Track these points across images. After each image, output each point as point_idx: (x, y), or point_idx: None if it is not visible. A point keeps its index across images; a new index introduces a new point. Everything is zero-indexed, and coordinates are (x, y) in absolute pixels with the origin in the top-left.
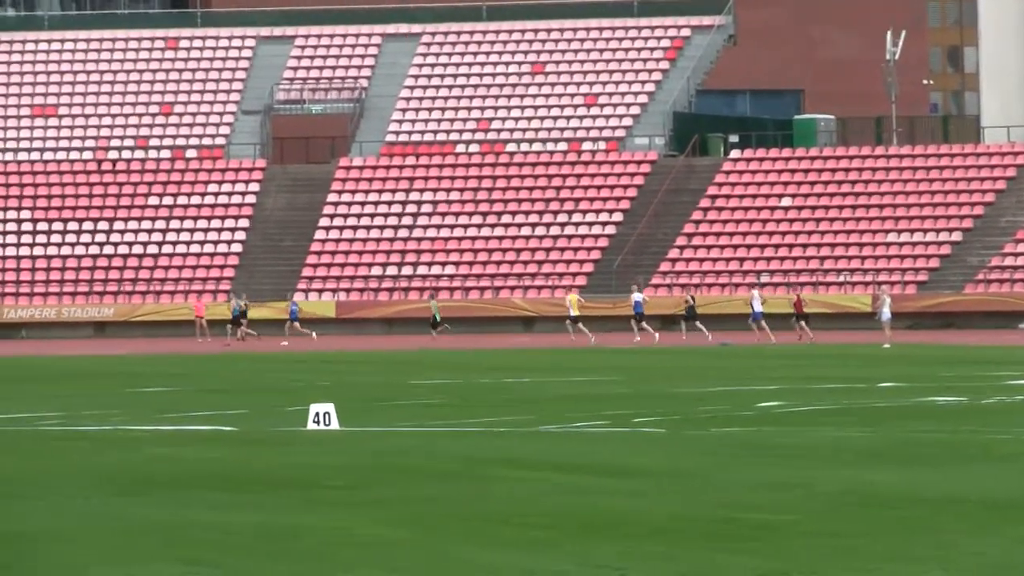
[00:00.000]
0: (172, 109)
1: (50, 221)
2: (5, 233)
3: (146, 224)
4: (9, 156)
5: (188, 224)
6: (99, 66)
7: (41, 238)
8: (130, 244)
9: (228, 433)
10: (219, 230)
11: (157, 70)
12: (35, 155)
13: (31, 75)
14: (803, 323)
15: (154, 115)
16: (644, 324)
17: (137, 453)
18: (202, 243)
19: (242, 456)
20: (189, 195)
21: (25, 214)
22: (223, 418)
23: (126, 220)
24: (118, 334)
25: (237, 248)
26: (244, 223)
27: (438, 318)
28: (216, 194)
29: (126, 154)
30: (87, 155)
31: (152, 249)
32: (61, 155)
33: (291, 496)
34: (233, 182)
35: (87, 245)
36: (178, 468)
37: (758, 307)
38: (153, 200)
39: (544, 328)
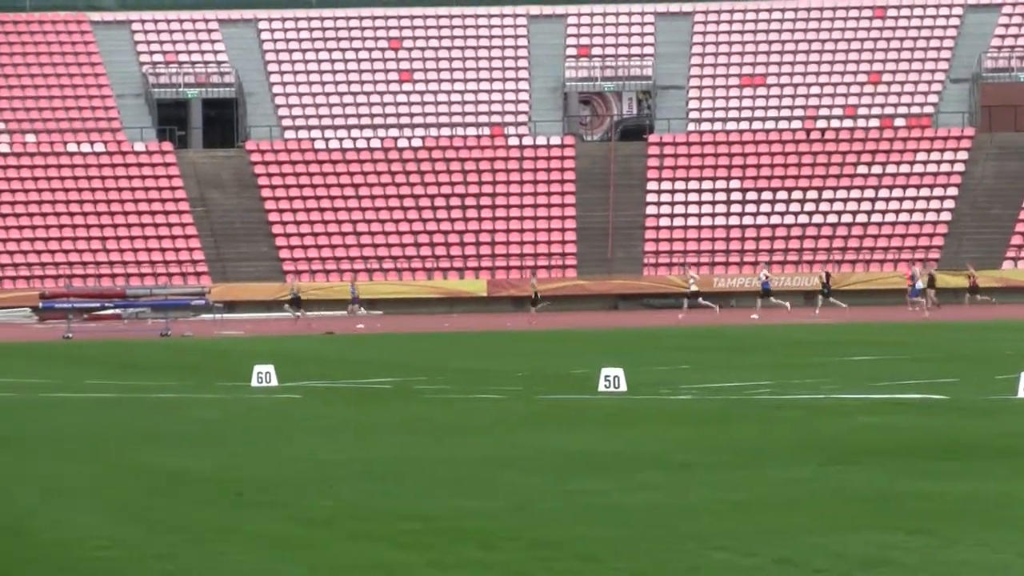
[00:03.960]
0: (880, 78)
1: (759, 190)
2: (715, 203)
3: (855, 193)
4: (718, 126)
5: (897, 193)
6: (807, 35)
7: (751, 207)
8: (839, 213)
9: (938, 401)
10: (927, 198)
11: (865, 39)
12: (744, 124)
13: (739, 45)
14: None
15: (862, 84)
16: (772, 299)
17: (848, 421)
18: (911, 211)
19: (952, 424)
20: (898, 163)
21: (735, 183)
22: (933, 386)
23: (835, 189)
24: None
25: (946, 216)
26: (952, 191)
27: (537, 295)
28: (924, 163)
29: (834, 123)
30: (796, 124)
31: (861, 218)
32: (770, 124)
33: (1001, 464)
34: (941, 150)
35: (796, 214)
36: (888, 437)
37: None
38: (862, 169)
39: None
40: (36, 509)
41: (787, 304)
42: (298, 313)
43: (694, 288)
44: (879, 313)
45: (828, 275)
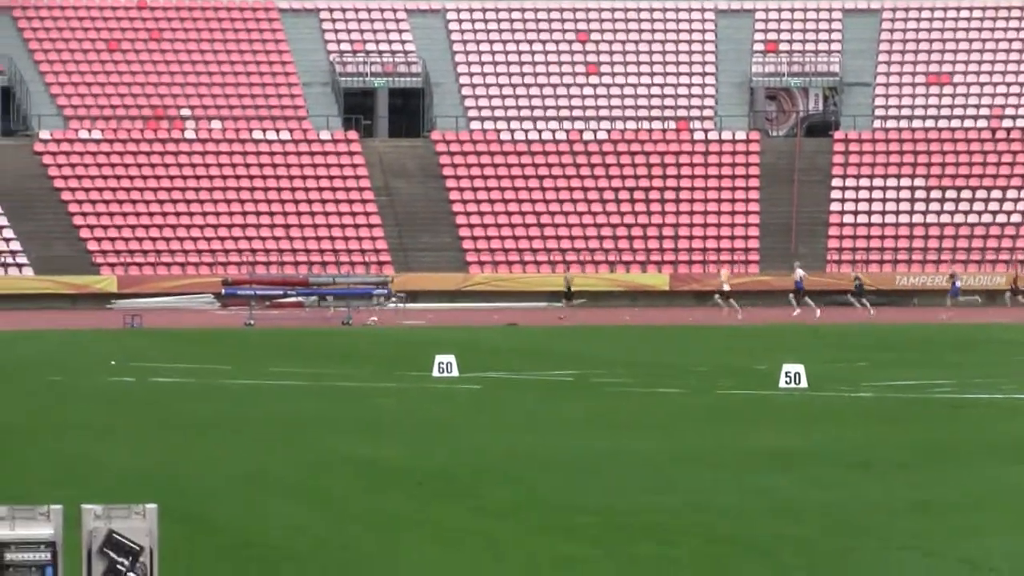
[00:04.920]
0: None
1: (943, 189)
2: (899, 200)
3: None
4: (904, 123)
5: None
6: (994, 34)
7: (935, 205)
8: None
9: None
10: None
11: None
12: (930, 122)
13: (926, 43)
14: None
15: None
16: (805, 299)
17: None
18: None
19: None
20: None
21: (919, 181)
22: None
23: (1019, 188)
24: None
25: None
26: None
27: (571, 290)
28: None
29: (1020, 122)
30: (981, 123)
31: None
32: (955, 123)
33: None
34: None
35: (979, 213)
36: None
37: None
38: None
39: None
40: (221, 495)
41: (977, 298)
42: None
43: (727, 288)
44: None
45: (857, 277)
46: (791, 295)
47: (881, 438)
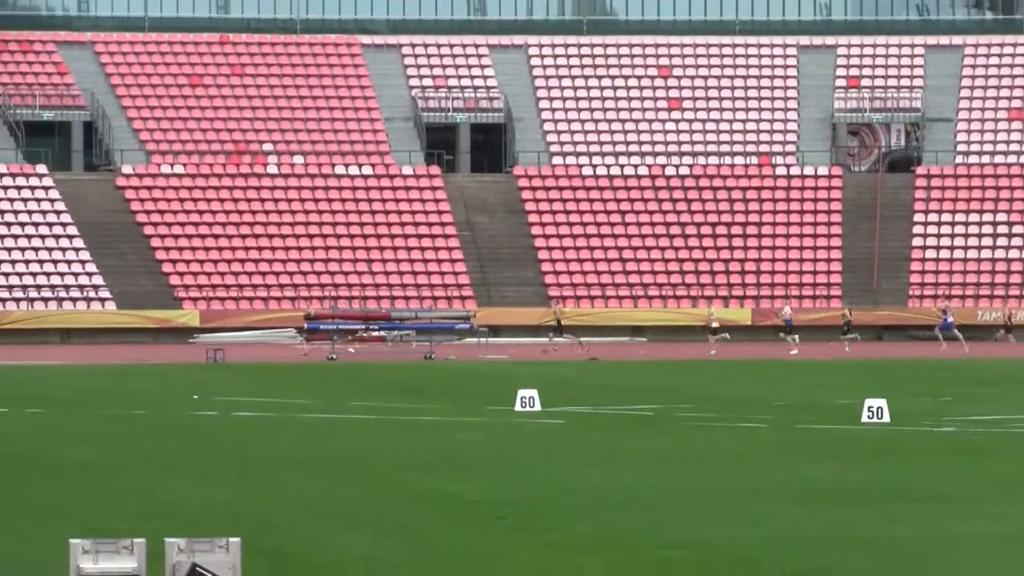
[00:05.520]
0: None
1: None
2: (981, 235)
3: None
4: (986, 159)
5: None
6: None
7: (1017, 240)
8: None
9: None
10: None
11: None
12: (1012, 158)
13: (1008, 79)
14: None
15: None
16: (790, 336)
17: None
18: None
19: None
20: None
21: (1001, 216)
22: None
23: None
24: None
25: None
26: None
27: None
28: None
29: None
30: None
31: None
32: None
33: None
34: None
35: None
36: None
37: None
38: None
39: None
40: (302, 528)
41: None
42: (564, 338)
43: (715, 325)
44: None
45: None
46: (781, 333)
47: (961, 473)
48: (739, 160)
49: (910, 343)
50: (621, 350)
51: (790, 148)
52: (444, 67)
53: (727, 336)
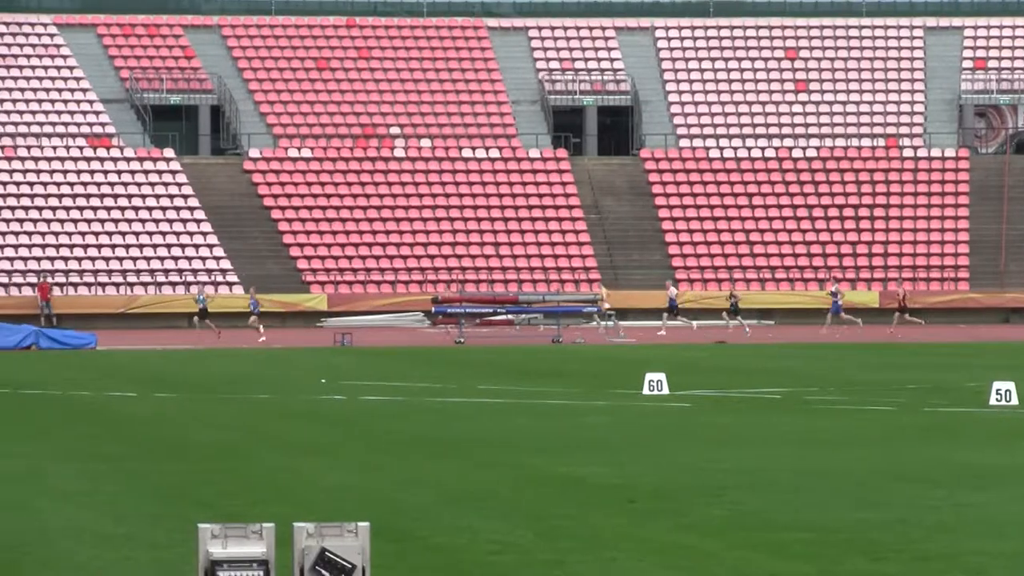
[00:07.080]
0: None
1: None
2: None
3: None
4: None
5: None
6: None
7: None
8: None
9: None
10: None
11: None
12: None
13: None
14: None
15: None
16: (677, 318)
17: None
18: None
19: None
20: None
21: None
22: None
23: None
24: None
25: None
26: None
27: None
28: None
29: None
30: None
31: None
32: None
33: None
34: None
35: None
36: None
37: None
38: None
39: None
40: (431, 512)
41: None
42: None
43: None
44: None
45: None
46: (664, 313)
47: None
48: (866, 142)
49: None
50: (750, 333)
51: (917, 130)
52: (571, 50)
53: (858, 321)
